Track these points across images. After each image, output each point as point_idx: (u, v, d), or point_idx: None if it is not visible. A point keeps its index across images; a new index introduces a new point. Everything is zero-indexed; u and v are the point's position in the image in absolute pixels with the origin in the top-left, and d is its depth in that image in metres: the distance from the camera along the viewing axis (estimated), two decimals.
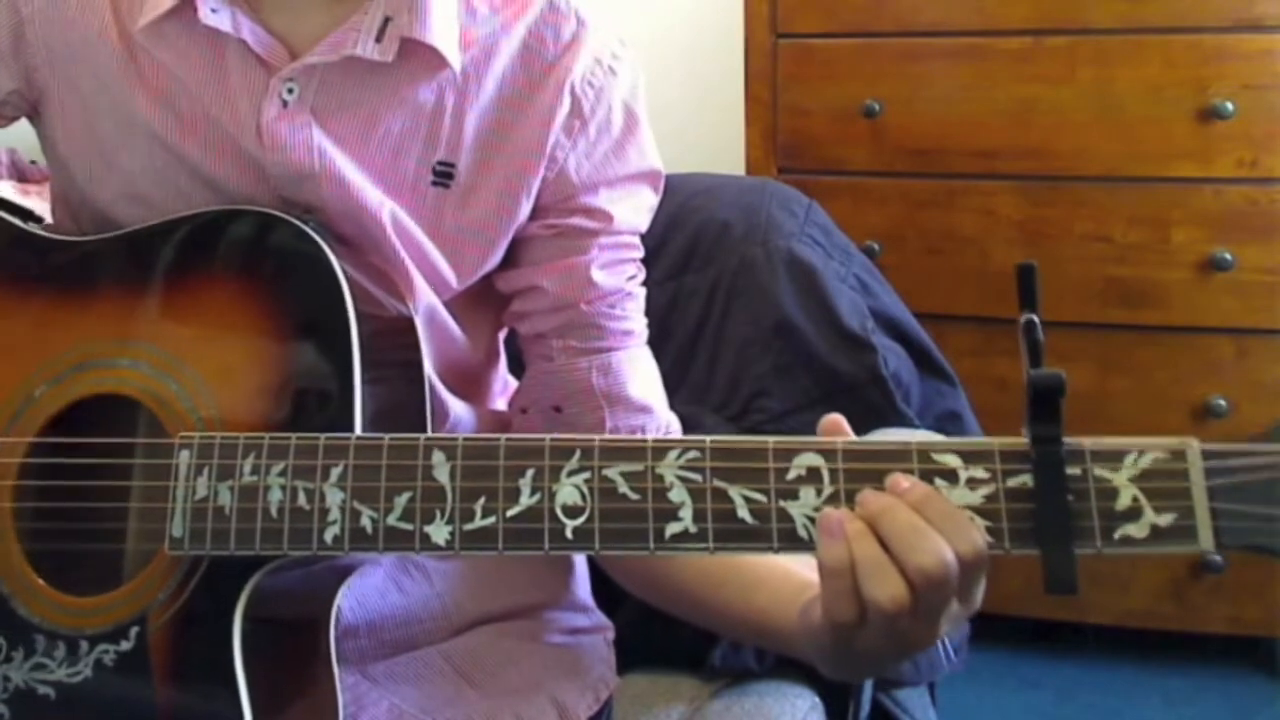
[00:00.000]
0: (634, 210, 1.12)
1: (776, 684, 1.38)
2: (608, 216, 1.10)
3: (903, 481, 0.82)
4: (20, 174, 2.37)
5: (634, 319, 1.14)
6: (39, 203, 2.09)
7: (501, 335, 1.21)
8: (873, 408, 1.63)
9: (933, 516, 0.81)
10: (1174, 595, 2.33)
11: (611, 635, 1.23)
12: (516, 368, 1.19)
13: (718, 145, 2.50)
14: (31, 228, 1.06)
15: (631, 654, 1.29)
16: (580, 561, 1.24)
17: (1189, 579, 2.31)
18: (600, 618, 1.24)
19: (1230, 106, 2.17)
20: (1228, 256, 2.21)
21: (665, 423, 1.15)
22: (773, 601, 1.00)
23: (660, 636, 1.32)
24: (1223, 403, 2.25)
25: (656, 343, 1.18)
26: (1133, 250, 2.26)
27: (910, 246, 2.36)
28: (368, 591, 1.09)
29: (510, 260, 1.11)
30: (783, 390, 1.65)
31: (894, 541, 0.81)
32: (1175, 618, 2.35)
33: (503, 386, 1.22)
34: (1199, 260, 2.23)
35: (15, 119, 1.12)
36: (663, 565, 1.10)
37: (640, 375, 1.14)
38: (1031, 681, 2.42)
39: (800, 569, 0.99)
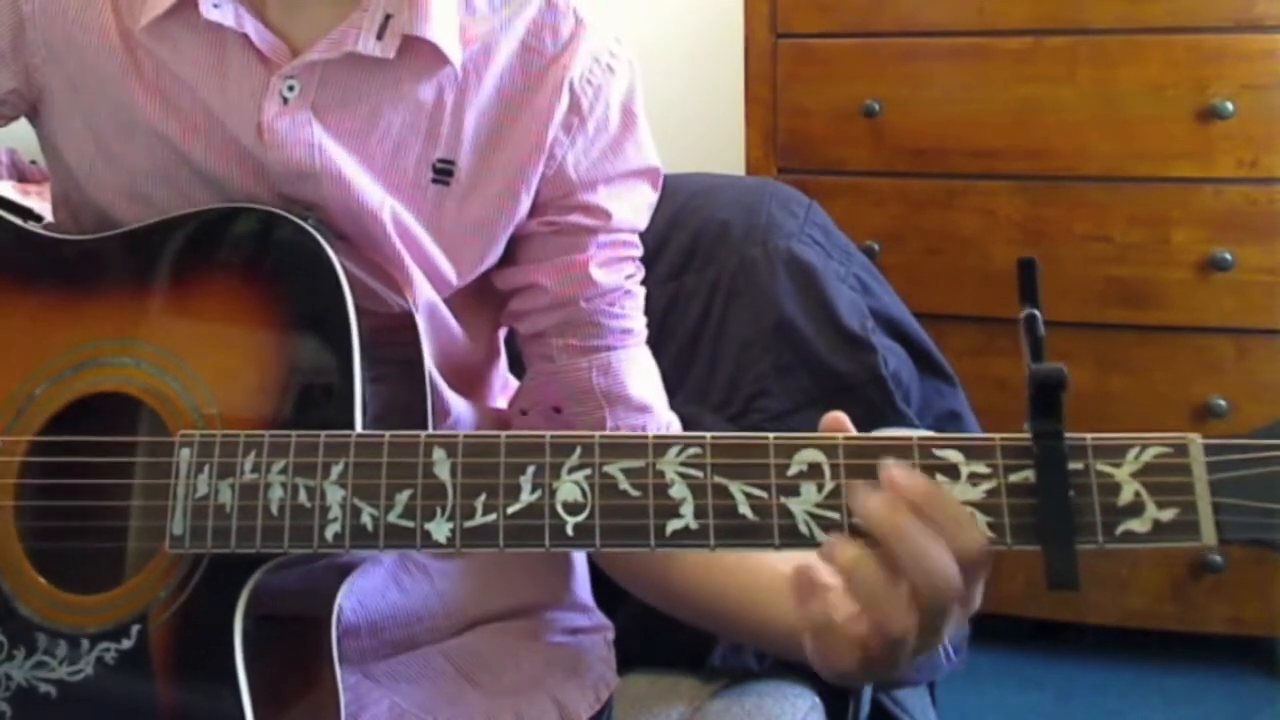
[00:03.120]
0: (632, 208, 1.12)
1: (776, 684, 1.38)
2: (606, 214, 1.10)
3: (898, 476, 0.81)
4: (20, 174, 2.37)
5: (633, 317, 1.14)
6: (39, 202, 2.09)
7: (501, 334, 1.21)
8: (873, 408, 1.63)
9: (937, 517, 0.80)
10: (1174, 595, 2.33)
11: (611, 635, 1.23)
12: (518, 368, 1.19)
13: (718, 145, 2.50)
14: (32, 226, 1.06)
15: (631, 654, 1.28)
16: (580, 561, 1.24)
17: (1189, 579, 2.31)
18: (600, 618, 1.24)
19: (1230, 106, 2.17)
20: (1228, 256, 2.21)
21: (665, 422, 1.15)
22: (776, 611, 1.00)
23: (660, 636, 1.32)
24: (1223, 403, 2.25)
25: (656, 343, 1.18)
26: (1133, 250, 2.27)
27: (910, 246, 2.36)
28: (368, 591, 1.09)
29: (509, 258, 1.11)
30: (783, 390, 1.65)
31: (904, 562, 0.80)
32: (1175, 618, 2.35)
33: (503, 385, 1.22)
34: (1199, 260, 2.23)
35: (14, 119, 1.12)
36: (664, 571, 1.10)
37: (640, 374, 1.14)
38: (1032, 681, 2.42)
39: None
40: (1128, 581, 2.33)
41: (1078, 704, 2.36)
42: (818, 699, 1.37)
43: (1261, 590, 2.27)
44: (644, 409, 1.13)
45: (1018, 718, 2.33)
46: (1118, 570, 2.29)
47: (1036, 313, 0.82)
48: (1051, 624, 2.37)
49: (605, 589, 1.23)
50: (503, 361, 1.22)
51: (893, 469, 0.81)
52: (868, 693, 1.45)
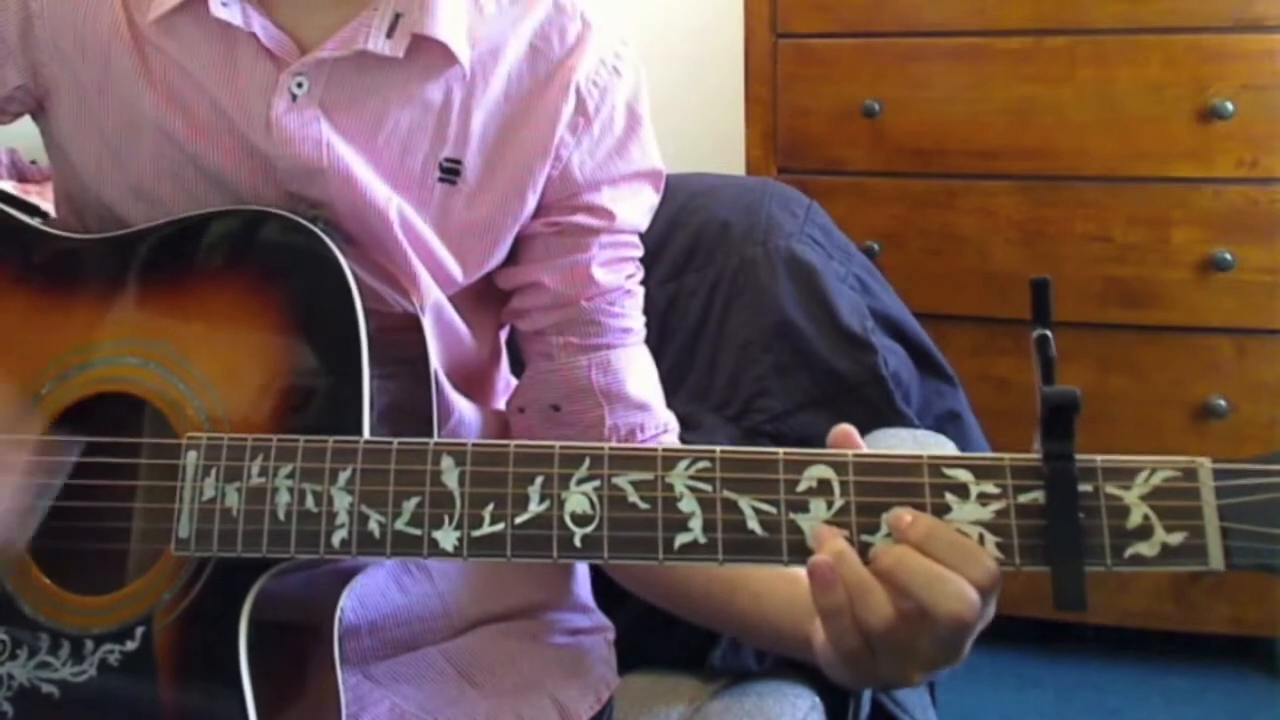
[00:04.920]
0: (635, 209, 1.13)
1: (776, 684, 1.38)
2: (610, 215, 1.10)
3: (905, 516, 0.82)
4: (20, 174, 2.37)
5: (632, 317, 1.14)
6: (40, 203, 2.08)
7: (503, 335, 1.21)
8: (873, 408, 1.63)
9: (941, 551, 0.81)
10: (1174, 595, 2.33)
11: (612, 636, 1.23)
12: (518, 370, 1.19)
13: (718, 145, 2.50)
14: (39, 224, 1.06)
15: (631, 654, 1.29)
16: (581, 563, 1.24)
17: (1189, 579, 2.31)
18: (601, 618, 1.24)
19: (1230, 106, 2.17)
20: (1228, 256, 2.21)
21: (663, 421, 1.15)
22: (784, 611, 1.01)
23: (660, 636, 1.33)
24: (1222, 403, 2.25)
25: (656, 343, 1.18)
26: (1133, 250, 2.27)
27: (910, 246, 2.36)
28: (369, 591, 1.09)
29: (511, 257, 1.12)
30: (783, 390, 1.66)
31: (918, 592, 0.81)
32: (1175, 618, 2.35)
33: (505, 387, 1.22)
34: (1199, 260, 2.23)
35: (20, 115, 1.12)
36: (670, 572, 1.10)
37: (638, 373, 1.14)
38: (1031, 681, 2.42)
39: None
40: (1128, 582, 2.33)
41: (1078, 704, 2.36)
42: (818, 699, 1.37)
43: (1261, 590, 2.27)
44: (642, 407, 1.13)
45: (1018, 718, 2.33)
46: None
47: (1049, 334, 0.82)
48: (1051, 624, 2.37)
49: (606, 589, 1.23)
50: (504, 363, 1.23)
51: (899, 511, 0.83)
52: (868, 693, 1.45)
